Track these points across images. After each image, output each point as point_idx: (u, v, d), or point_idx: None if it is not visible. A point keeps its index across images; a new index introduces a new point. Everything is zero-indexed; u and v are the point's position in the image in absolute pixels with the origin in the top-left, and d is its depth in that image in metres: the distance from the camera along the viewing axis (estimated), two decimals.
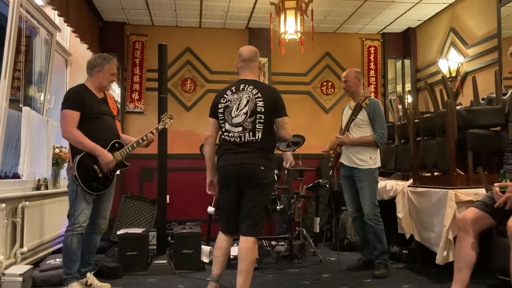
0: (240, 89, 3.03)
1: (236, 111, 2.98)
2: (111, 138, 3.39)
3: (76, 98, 3.28)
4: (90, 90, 3.39)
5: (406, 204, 4.07)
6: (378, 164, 4.05)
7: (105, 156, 3.26)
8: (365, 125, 3.99)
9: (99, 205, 3.42)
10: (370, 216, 3.92)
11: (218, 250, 3.03)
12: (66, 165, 3.52)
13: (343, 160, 4.09)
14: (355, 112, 3.96)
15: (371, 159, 3.97)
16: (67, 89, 3.46)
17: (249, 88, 3.01)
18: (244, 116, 2.95)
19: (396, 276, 3.85)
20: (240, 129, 2.95)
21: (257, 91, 2.98)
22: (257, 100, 2.95)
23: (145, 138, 3.51)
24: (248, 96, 2.97)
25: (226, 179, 2.99)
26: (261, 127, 2.93)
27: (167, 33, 6.31)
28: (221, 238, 3.04)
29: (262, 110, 2.93)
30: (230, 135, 2.98)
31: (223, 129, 3.03)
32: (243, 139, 2.94)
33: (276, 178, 3.11)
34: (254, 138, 2.93)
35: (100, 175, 3.28)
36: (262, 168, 2.91)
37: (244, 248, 2.85)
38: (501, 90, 4.00)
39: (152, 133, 3.55)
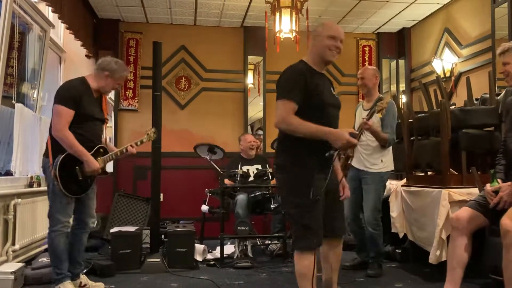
0: None
1: None
2: (97, 142, 3.28)
3: (75, 96, 3.12)
4: (89, 88, 3.23)
5: (400, 204, 4.08)
6: (390, 168, 3.93)
7: (92, 163, 3.14)
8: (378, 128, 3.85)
9: (85, 204, 3.32)
10: (370, 220, 3.84)
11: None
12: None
13: (353, 162, 3.95)
14: (368, 118, 3.69)
15: (382, 163, 3.86)
16: (65, 81, 3.26)
17: None
18: None
19: (389, 275, 3.86)
20: None
21: None
22: None
23: (124, 151, 3.39)
24: None
25: None
26: None
27: (161, 31, 6.28)
28: None
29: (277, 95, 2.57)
30: None
31: None
32: None
33: (290, 175, 2.48)
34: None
35: (80, 178, 3.16)
36: (275, 165, 2.56)
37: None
38: (494, 90, 4.02)
39: (132, 146, 3.43)
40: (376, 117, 3.79)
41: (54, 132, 3.10)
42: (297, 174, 2.42)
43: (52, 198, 3.15)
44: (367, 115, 3.74)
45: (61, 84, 5.36)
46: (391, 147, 3.98)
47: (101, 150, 3.31)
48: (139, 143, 3.51)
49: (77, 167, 3.13)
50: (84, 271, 3.53)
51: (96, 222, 3.49)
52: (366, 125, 3.67)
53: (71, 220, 3.26)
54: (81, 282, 3.35)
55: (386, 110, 3.76)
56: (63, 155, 3.07)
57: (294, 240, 2.48)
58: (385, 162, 3.89)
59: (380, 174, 3.87)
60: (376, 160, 3.87)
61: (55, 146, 3.12)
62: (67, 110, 3.09)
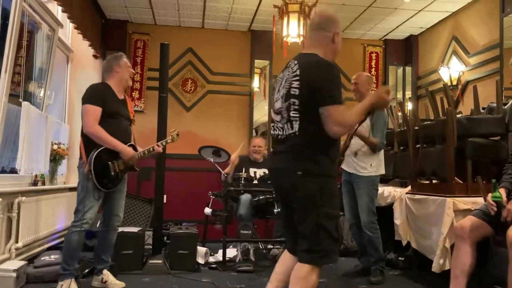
0: (288, 65, 2.36)
1: (277, 93, 2.35)
2: (126, 140, 3.45)
3: (99, 94, 3.34)
4: (111, 89, 3.45)
5: (404, 211, 4.06)
6: (381, 172, 3.98)
7: (127, 150, 3.37)
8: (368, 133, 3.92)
9: (111, 203, 3.47)
10: (366, 223, 3.89)
11: (272, 273, 2.42)
12: (64, 161, 3.46)
13: (344, 166, 4.03)
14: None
15: (371, 167, 3.91)
16: (90, 85, 3.53)
17: (293, 62, 2.31)
18: (281, 100, 2.29)
19: (391, 283, 3.84)
20: (279, 117, 2.32)
21: (298, 66, 2.25)
22: (293, 79, 2.24)
23: (152, 149, 3.57)
24: (288, 73, 2.29)
25: (273, 188, 2.62)
26: (297, 116, 2.23)
27: (169, 33, 6.30)
28: (281, 257, 2.49)
29: (296, 93, 2.22)
30: (274, 126, 2.37)
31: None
32: (283, 132, 2.30)
33: (324, 185, 2.24)
34: (292, 131, 2.25)
35: (113, 173, 3.33)
36: (300, 173, 2.21)
37: (293, 275, 2.21)
38: (501, 99, 4.00)
39: (158, 145, 3.62)
40: (366, 123, 3.83)
41: (85, 129, 3.28)
42: (328, 184, 2.26)
43: (82, 194, 3.26)
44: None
45: (68, 83, 5.45)
46: (382, 152, 4.01)
47: (131, 147, 3.48)
48: (164, 143, 3.73)
49: (109, 162, 3.31)
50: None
51: (120, 221, 3.60)
52: (352, 129, 3.73)
53: (92, 218, 3.33)
54: (102, 278, 3.44)
55: (376, 115, 3.82)
56: (97, 151, 3.24)
57: (323, 255, 2.19)
58: (375, 166, 3.93)
59: (371, 178, 3.92)
60: (366, 164, 3.92)
61: (87, 145, 3.28)
62: (94, 107, 3.28)
